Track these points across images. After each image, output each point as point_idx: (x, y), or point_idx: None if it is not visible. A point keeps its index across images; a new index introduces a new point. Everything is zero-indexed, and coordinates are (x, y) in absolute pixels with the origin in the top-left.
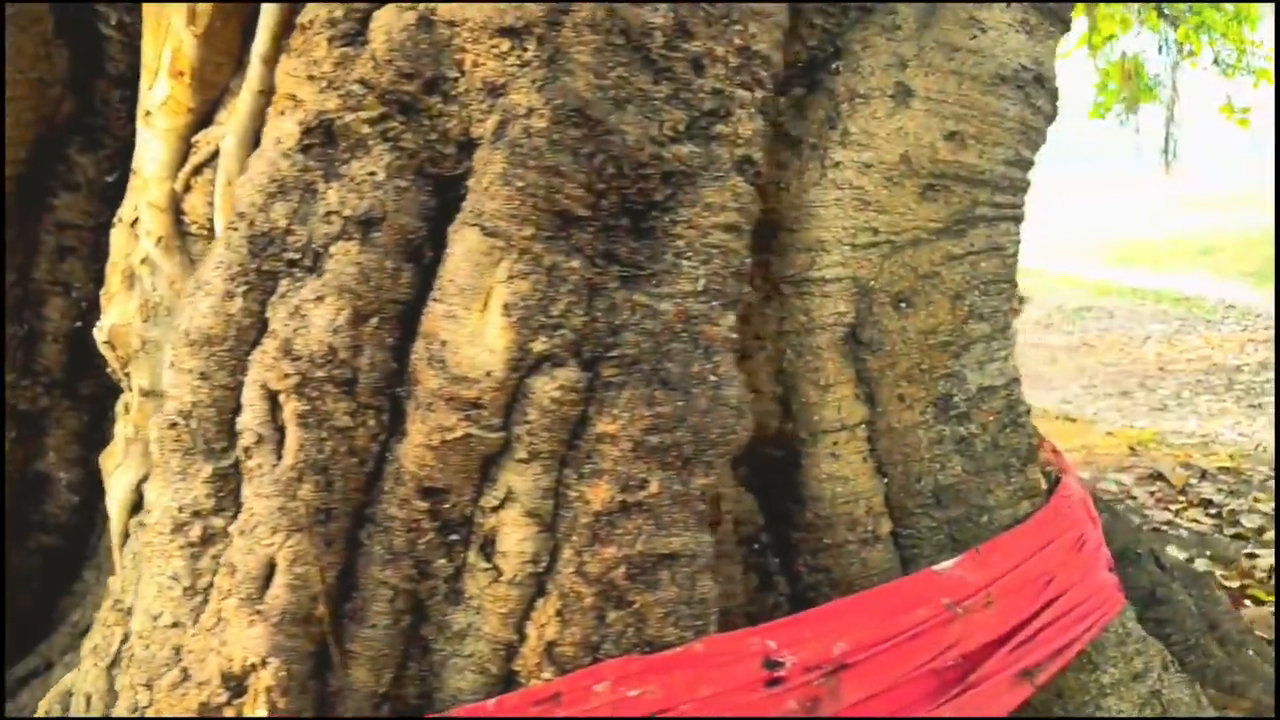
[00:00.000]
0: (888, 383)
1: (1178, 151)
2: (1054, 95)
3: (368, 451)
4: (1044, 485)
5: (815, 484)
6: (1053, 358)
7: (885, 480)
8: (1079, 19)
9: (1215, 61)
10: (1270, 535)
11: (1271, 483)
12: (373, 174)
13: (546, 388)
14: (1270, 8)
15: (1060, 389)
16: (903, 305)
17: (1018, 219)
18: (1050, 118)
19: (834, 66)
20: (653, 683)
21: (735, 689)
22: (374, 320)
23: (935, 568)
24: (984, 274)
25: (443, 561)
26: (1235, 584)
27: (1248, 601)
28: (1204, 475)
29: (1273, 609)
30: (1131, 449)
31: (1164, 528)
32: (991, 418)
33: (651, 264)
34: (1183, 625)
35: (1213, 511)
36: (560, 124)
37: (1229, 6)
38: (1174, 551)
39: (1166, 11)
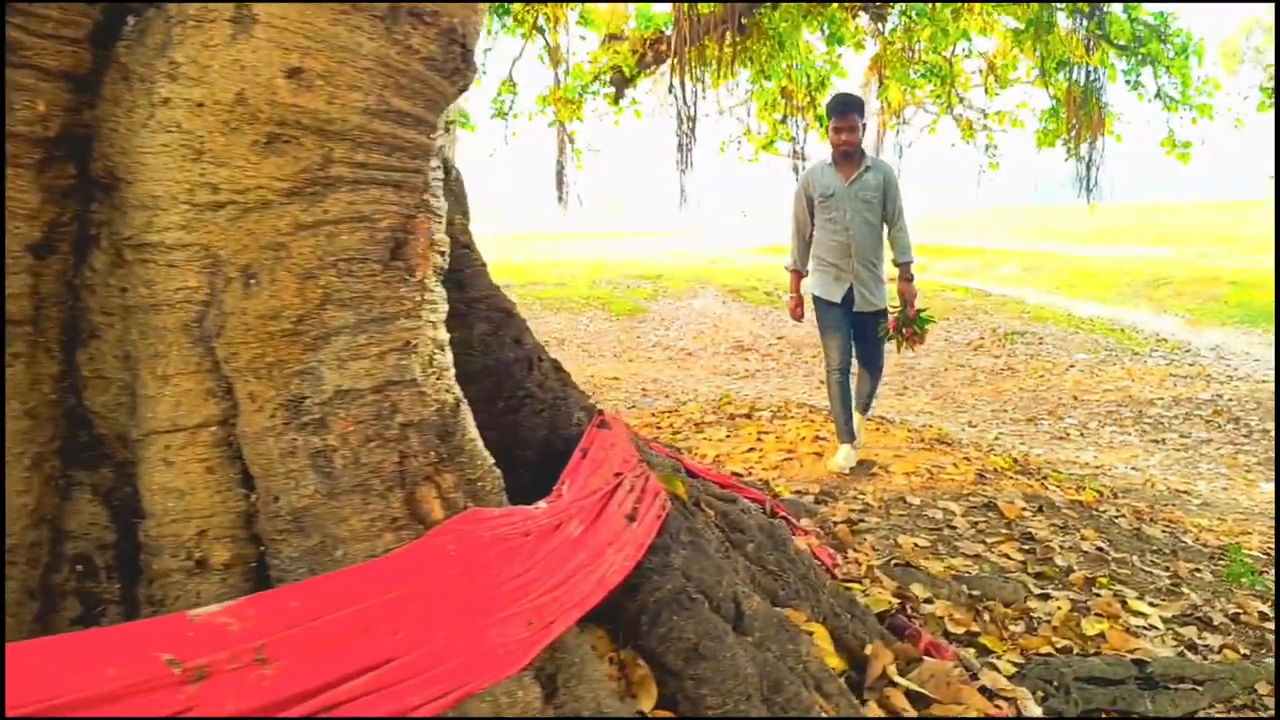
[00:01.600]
0: (236, 377)
1: (1098, 183)
2: (449, 37)
3: None
4: (440, 514)
5: (149, 496)
6: (973, 379)
7: (253, 497)
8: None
9: (1158, 95)
10: (1076, 577)
11: (1120, 520)
12: None
13: None
14: (1210, 49)
15: (970, 411)
16: (251, 282)
17: (400, 186)
18: (439, 63)
19: None
20: None
21: None
22: None
23: (194, 612)
24: (344, 250)
25: None
26: (962, 630)
27: (970, 651)
28: (1043, 509)
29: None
30: (980, 475)
31: (972, 561)
32: (353, 428)
33: None
34: (721, 686)
35: (1028, 548)
36: None
37: (1178, 39)
38: (916, 590)
39: (1087, 38)
